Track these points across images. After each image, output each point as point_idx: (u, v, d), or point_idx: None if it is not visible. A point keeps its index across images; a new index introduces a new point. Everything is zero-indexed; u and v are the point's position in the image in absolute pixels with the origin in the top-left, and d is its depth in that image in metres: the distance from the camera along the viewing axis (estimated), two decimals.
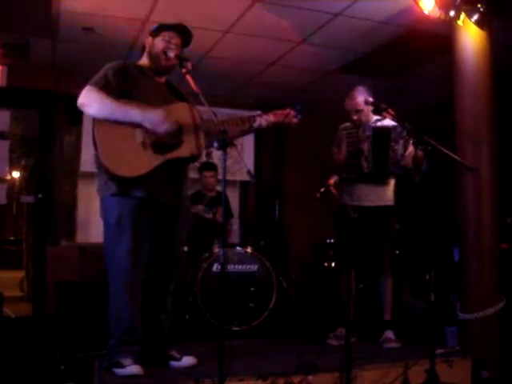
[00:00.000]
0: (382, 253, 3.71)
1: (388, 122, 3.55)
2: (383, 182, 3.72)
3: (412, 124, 3.07)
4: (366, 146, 3.59)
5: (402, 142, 3.57)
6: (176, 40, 2.91)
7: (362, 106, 3.58)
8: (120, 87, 2.74)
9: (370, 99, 3.46)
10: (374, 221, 3.70)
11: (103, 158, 2.64)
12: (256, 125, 2.94)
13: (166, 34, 2.90)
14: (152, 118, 2.70)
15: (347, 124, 3.79)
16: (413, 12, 3.98)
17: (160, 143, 2.74)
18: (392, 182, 3.76)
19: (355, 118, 3.67)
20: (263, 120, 2.94)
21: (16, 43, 4.92)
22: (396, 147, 3.57)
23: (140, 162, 2.69)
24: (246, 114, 6.72)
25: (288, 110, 2.95)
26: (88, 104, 2.70)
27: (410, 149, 3.53)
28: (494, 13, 3.75)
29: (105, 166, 2.65)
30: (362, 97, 3.58)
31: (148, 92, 2.82)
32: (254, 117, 2.95)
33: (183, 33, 2.94)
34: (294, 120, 2.95)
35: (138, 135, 2.72)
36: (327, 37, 4.77)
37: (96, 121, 2.70)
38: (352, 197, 3.72)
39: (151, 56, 2.92)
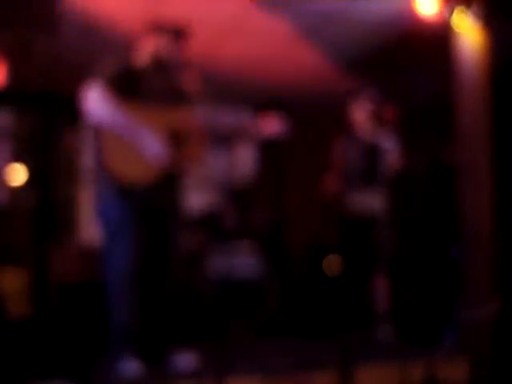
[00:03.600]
0: (374, 259, 3.84)
1: (384, 138, 3.92)
2: (374, 191, 3.91)
3: (412, 124, 3.11)
4: (351, 158, 3.95)
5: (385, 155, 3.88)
6: (174, 40, 2.92)
7: (357, 120, 4.06)
8: (125, 86, 2.75)
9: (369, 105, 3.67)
10: (366, 228, 3.92)
11: (106, 160, 2.64)
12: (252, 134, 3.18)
13: (163, 36, 2.91)
14: (148, 146, 2.69)
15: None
16: (412, 13, 3.98)
17: None
18: (382, 192, 3.93)
19: (354, 131, 4.08)
20: (253, 124, 3.14)
21: (17, 43, 4.92)
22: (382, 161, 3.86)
23: (141, 168, 2.70)
24: (245, 114, 6.81)
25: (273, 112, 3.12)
26: (90, 105, 2.69)
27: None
28: (493, 13, 3.76)
29: (107, 168, 2.64)
30: (355, 113, 4.06)
31: (151, 91, 2.83)
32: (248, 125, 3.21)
33: (180, 33, 2.96)
34: (277, 127, 3.10)
35: None
36: (327, 37, 4.77)
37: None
38: (349, 204, 4.01)
39: (151, 56, 2.92)
